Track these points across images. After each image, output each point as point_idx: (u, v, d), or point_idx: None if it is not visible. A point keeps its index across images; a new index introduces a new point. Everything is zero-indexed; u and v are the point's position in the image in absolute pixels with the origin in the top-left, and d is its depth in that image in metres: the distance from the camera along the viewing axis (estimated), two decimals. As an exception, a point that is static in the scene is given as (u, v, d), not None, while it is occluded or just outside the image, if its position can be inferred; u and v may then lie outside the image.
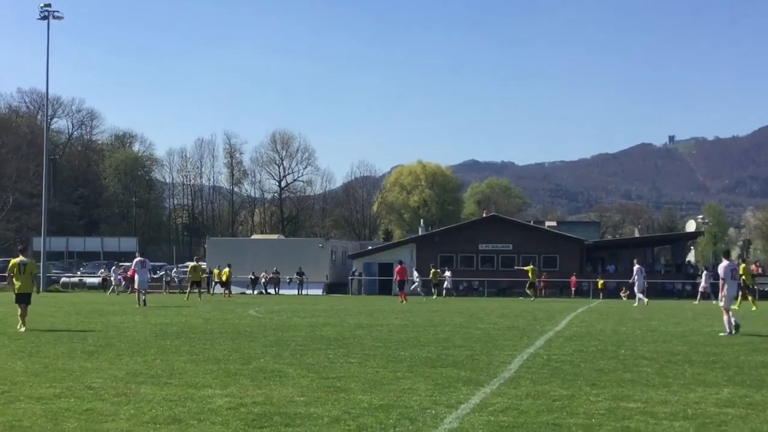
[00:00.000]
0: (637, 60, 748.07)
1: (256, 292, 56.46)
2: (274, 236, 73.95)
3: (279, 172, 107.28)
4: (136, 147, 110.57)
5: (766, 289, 53.24)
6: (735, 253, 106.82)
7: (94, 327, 19.52)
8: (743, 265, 37.13)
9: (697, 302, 41.51)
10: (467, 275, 58.30)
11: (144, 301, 30.84)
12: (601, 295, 51.44)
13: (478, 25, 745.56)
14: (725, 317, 18.34)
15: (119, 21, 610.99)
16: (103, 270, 58.59)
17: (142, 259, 33.16)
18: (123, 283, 50.72)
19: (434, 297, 46.89)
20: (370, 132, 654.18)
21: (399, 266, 42.03)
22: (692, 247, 74.30)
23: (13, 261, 19.03)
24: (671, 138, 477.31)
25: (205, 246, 65.63)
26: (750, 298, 34.65)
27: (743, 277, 34.54)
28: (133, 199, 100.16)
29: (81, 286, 59.30)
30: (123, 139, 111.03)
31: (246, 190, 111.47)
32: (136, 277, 33.39)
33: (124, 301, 36.95)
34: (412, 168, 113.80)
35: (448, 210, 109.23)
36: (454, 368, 11.60)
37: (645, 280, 38.31)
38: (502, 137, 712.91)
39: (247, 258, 57.54)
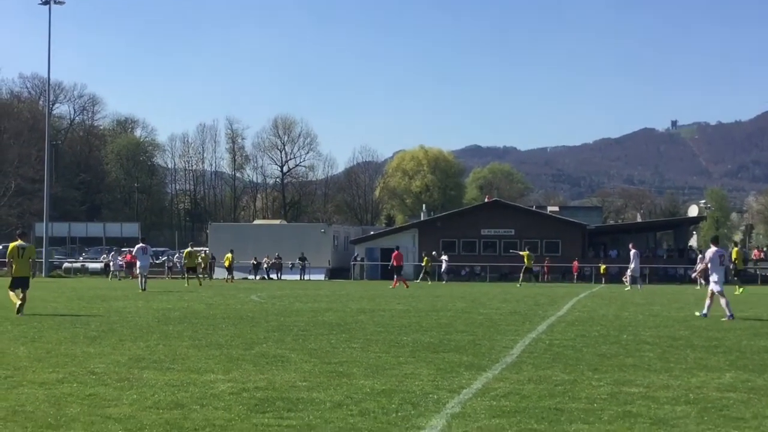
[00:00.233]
0: (640, 44, 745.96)
1: (258, 277, 56.51)
2: (277, 221, 74.00)
3: (281, 157, 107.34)
4: (138, 132, 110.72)
5: (768, 274, 53.25)
6: (737, 237, 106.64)
7: (96, 312, 19.56)
8: (735, 249, 37.21)
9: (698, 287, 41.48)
10: (469, 260, 58.29)
11: (143, 286, 30.95)
12: (603, 280, 51.48)
13: (479, 9, 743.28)
14: (722, 301, 18.47)
15: (121, 6, 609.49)
16: (105, 255, 58.68)
17: (143, 245, 33.24)
18: (124, 269, 50.87)
19: (429, 283, 46.60)
20: (372, 117, 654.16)
21: (396, 252, 42.09)
22: (694, 232, 74.25)
23: (12, 245, 18.89)
24: (674, 123, 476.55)
25: (207, 231, 65.63)
26: (737, 281, 34.81)
27: (735, 261, 34.65)
28: (135, 184, 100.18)
29: (83, 271, 59.40)
30: (125, 125, 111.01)
31: (248, 176, 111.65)
32: (138, 262, 33.50)
33: (126, 286, 37.02)
34: (415, 153, 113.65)
35: (450, 195, 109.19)
36: (456, 353, 11.62)
37: (639, 266, 38.21)
38: (504, 122, 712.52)
39: (249, 243, 57.57)
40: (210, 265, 57.67)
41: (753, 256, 61.24)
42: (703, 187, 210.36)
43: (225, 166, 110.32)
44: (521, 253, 45.20)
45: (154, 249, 50.53)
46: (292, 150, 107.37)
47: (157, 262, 57.98)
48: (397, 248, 43.40)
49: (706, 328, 16.00)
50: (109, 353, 11.42)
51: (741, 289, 33.33)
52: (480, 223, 59.85)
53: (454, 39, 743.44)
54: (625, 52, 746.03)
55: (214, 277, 52.21)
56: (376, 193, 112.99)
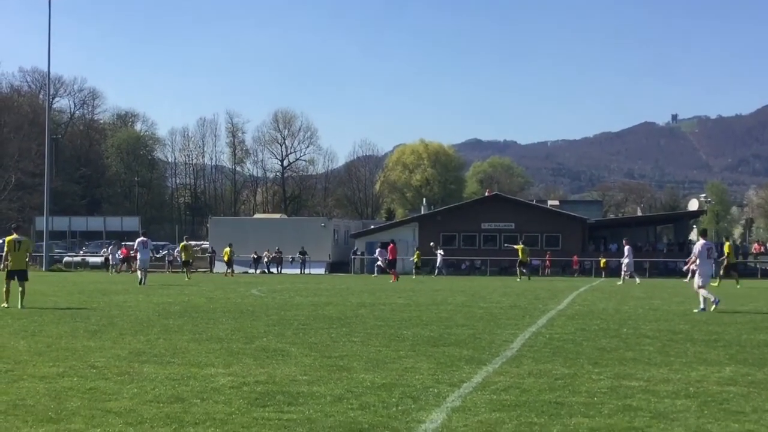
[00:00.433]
0: (640, 38, 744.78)
1: (258, 271, 56.54)
2: (277, 215, 73.97)
3: (281, 151, 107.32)
4: (138, 126, 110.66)
5: (768, 268, 53.30)
6: (737, 231, 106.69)
7: (96, 306, 19.56)
8: (728, 242, 37.28)
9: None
10: (470, 254, 58.31)
11: (143, 280, 31.00)
12: (603, 273, 51.47)
13: (479, 2, 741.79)
14: (702, 292, 18.67)
15: (121, 0, 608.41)
16: (105, 249, 58.72)
17: (144, 239, 33.34)
18: (124, 262, 50.88)
19: (414, 277, 46.20)
20: (372, 111, 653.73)
21: (391, 245, 42.04)
22: (695, 226, 74.16)
23: (9, 238, 19.20)
24: (674, 116, 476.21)
25: (208, 225, 65.61)
26: (728, 274, 34.82)
27: (727, 254, 34.69)
28: (136, 178, 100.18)
29: (84, 265, 59.44)
30: (125, 119, 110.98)
31: (248, 170, 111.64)
32: (138, 256, 33.58)
33: (126, 280, 37.03)
34: (415, 147, 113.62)
35: (450, 189, 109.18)
36: (456, 347, 11.62)
37: (633, 260, 38.15)
38: (504, 116, 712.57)
39: (249, 237, 57.59)
40: (210, 258, 57.73)
41: (753, 250, 61.27)
42: (704, 181, 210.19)
43: (225, 160, 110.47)
44: (515, 246, 44.03)
45: (154, 243, 50.61)
46: (292, 144, 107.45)
47: (158, 256, 58.03)
48: (392, 241, 43.29)
49: (706, 322, 16.01)
50: (110, 347, 11.43)
51: (737, 284, 33.39)
52: (480, 217, 59.83)
53: (455, 32, 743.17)
54: (625, 46, 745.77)
55: (215, 271, 52.22)
56: (377, 187, 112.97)
